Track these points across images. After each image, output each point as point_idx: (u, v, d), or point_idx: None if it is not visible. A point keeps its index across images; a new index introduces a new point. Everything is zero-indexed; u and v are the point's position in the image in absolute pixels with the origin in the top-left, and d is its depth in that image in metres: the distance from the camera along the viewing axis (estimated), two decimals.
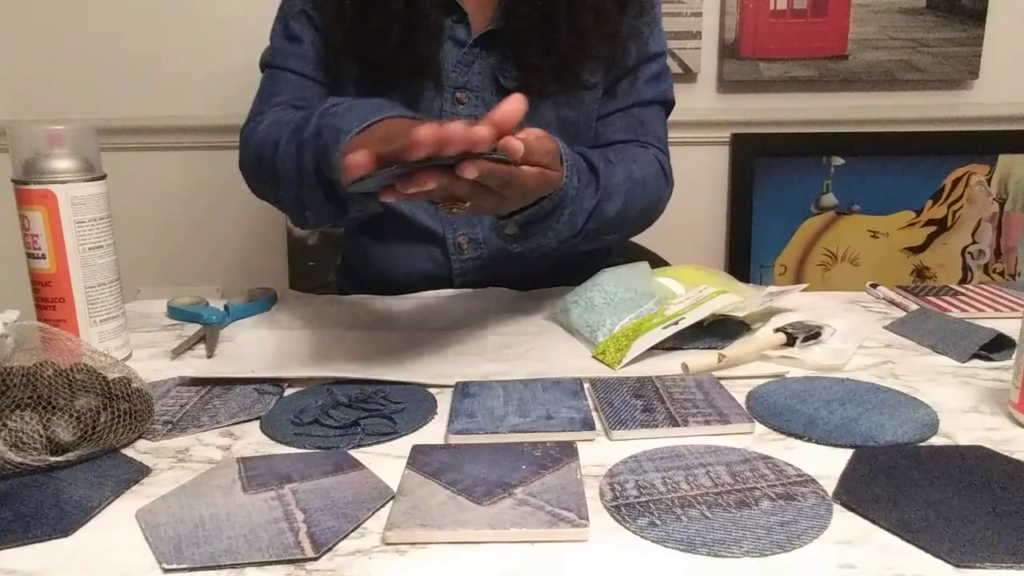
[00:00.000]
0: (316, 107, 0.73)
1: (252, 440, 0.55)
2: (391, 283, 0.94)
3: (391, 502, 0.45)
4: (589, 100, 0.92)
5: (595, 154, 0.80)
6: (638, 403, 0.58)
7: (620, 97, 0.93)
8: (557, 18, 0.83)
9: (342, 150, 0.63)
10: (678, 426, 0.54)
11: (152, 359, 0.71)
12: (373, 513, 0.44)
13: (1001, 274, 1.76)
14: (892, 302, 0.86)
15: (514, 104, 0.56)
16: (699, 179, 1.70)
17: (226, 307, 0.82)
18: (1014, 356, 0.58)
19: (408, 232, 0.93)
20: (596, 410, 0.58)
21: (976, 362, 0.68)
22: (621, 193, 0.80)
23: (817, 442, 0.52)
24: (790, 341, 0.68)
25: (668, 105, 0.97)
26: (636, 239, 1.13)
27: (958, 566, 0.38)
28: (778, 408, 0.57)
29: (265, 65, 0.92)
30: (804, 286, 0.84)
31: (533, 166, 0.61)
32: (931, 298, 0.85)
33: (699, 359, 0.65)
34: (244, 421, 0.57)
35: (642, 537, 0.41)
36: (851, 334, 0.71)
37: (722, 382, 0.62)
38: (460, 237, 0.92)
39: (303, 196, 0.72)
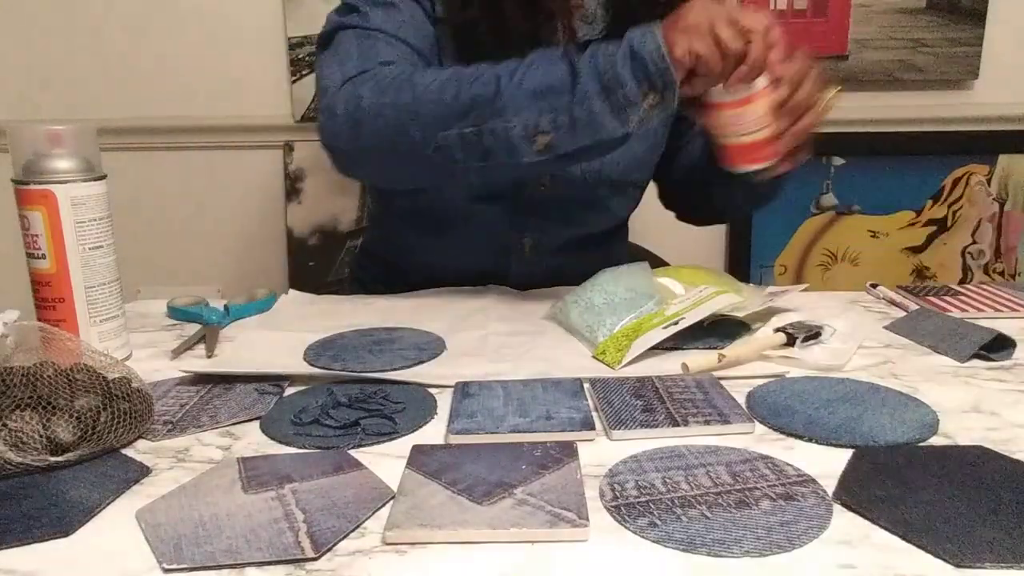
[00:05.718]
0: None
1: (252, 440, 0.55)
2: (438, 276, 0.93)
3: (391, 502, 0.45)
4: None
5: None
6: (638, 403, 0.58)
7: None
8: None
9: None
10: (678, 426, 0.54)
11: (152, 359, 0.71)
12: (373, 513, 0.44)
13: (1001, 274, 1.76)
14: (892, 302, 0.86)
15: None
16: None
17: (226, 307, 0.82)
18: None
19: (469, 232, 0.93)
20: (596, 410, 0.58)
21: (976, 362, 0.68)
22: None
23: (817, 442, 0.52)
24: (790, 341, 0.68)
25: None
26: (636, 239, 1.13)
27: (958, 566, 0.38)
28: (778, 408, 0.57)
29: (343, 27, 0.83)
30: (804, 286, 0.84)
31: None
32: (931, 298, 0.85)
33: (699, 359, 0.65)
34: (244, 421, 0.57)
35: (642, 537, 0.41)
36: (851, 334, 0.71)
37: (722, 382, 0.62)
38: (526, 240, 0.93)
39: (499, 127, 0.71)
